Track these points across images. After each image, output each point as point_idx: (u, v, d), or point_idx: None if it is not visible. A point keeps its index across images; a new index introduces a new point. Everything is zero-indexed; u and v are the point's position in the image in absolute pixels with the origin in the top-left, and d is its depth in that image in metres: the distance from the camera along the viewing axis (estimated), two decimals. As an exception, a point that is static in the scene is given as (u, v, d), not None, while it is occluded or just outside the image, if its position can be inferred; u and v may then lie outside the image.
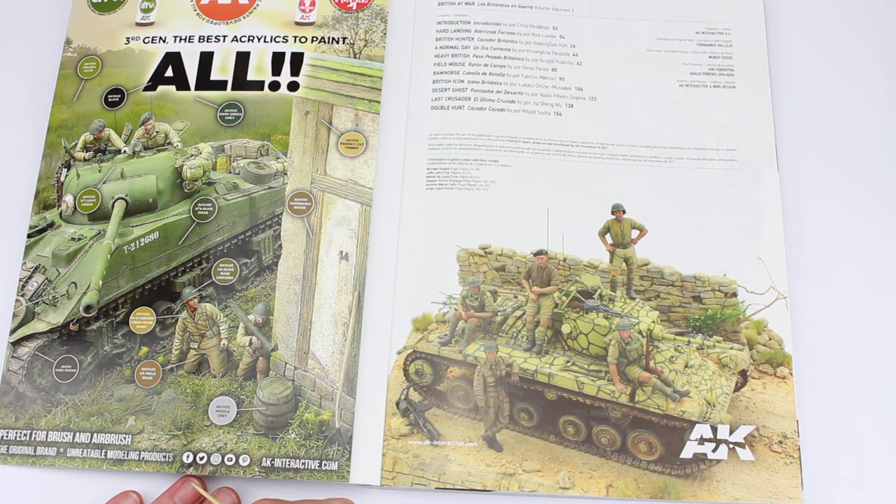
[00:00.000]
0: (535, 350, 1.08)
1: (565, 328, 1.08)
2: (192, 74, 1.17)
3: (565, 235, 1.08)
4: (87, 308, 1.06)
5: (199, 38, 1.19)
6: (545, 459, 1.00)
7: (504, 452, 1.00)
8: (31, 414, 1.02)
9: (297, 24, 1.19)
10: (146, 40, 1.20)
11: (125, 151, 1.18)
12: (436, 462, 0.99)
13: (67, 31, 1.21)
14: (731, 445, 0.98)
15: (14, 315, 1.06)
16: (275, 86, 1.16)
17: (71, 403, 1.02)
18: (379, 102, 1.12)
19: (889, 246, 1.09)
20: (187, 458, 0.98)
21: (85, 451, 1.00)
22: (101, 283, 1.08)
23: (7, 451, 1.00)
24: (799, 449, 0.98)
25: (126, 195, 1.17)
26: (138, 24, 1.21)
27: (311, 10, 1.20)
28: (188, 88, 1.17)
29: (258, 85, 1.16)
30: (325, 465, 0.97)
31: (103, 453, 0.99)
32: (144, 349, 1.05)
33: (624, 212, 1.09)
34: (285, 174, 1.13)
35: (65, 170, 1.16)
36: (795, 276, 1.07)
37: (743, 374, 1.05)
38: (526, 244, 1.08)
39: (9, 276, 1.10)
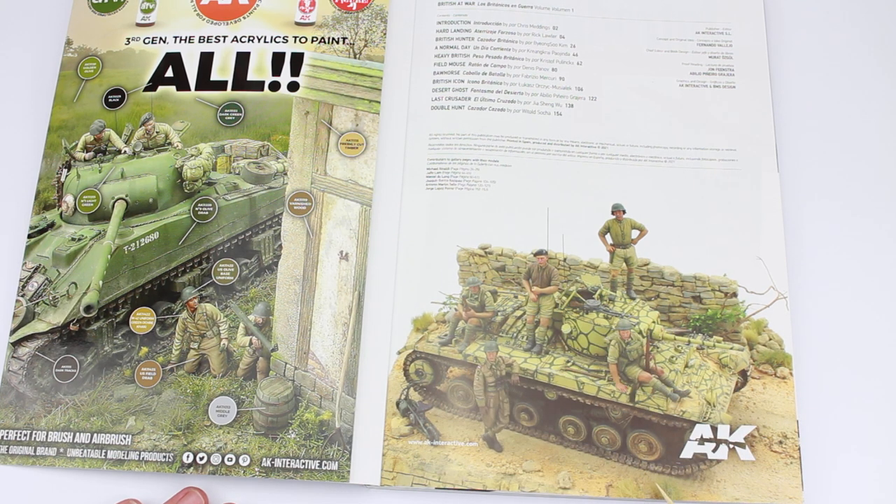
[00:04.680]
0: (535, 350, 1.08)
1: (565, 328, 1.08)
2: (192, 75, 1.17)
3: (565, 235, 1.08)
4: (88, 308, 1.06)
5: (200, 39, 1.19)
6: (545, 459, 1.00)
7: (504, 452, 1.00)
8: (31, 414, 1.02)
9: (297, 24, 1.19)
10: (146, 41, 1.20)
11: (125, 152, 1.19)
12: (436, 462, 0.99)
13: (68, 31, 1.22)
14: (731, 445, 0.98)
15: (14, 315, 1.07)
16: (275, 86, 1.16)
17: (71, 403, 1.02)
18: (379, 102, 1.12)
19: (889, 246, 1.09)
20: (187, 458, 0.98)
21: (85, 451, 1.00)
22: (101, 283, 1.08)
23: (7, 451, 1.00)
24: (799, 449, 0.98)
25: (126, 195, 1.17)
26: (139, 25, 1.21)
27: (311, 11, 1.20)
28: (188, 89, 1.17)
29: (258, 85, 1.16)
30: (326, 465, 0.97)
31: (103, 453, 0.99)
32: (144, 349, 1.05)
33: (624, 212, 1.09)
34: (285, 174, 1.13)
35: (65, 170, 1.16)
36: (795, 276, 1.07)
37: (743, 374, 1.05)
38: (526, 244, 1.08)
39: (9, 276, 1.10)
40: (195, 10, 1.21)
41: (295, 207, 1.10)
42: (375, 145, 1.11)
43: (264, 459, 0.98)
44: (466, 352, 1.07)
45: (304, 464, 0.98)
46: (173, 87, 1.18)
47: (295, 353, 1.05)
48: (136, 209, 1.18)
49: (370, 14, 1.19)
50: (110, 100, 1.18)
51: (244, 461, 0.98)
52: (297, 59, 1.17)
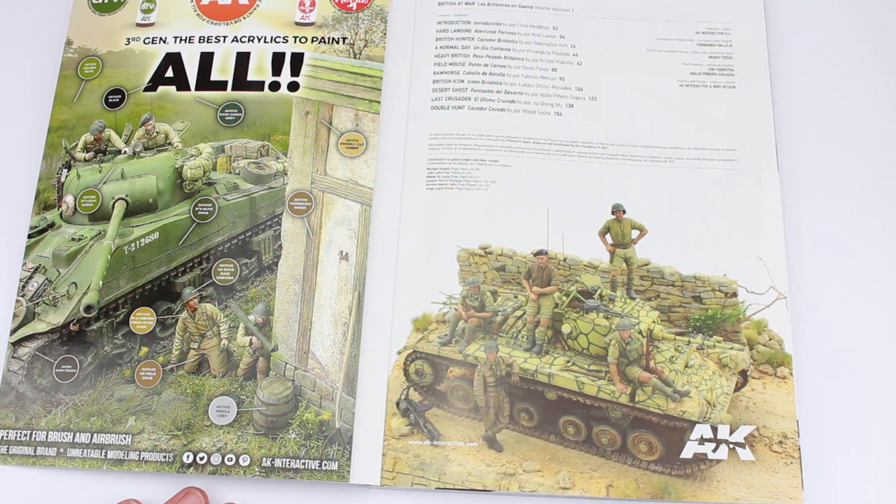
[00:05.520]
0: (535, 350, 1.08)
1: (565, 328, 1.08)
2: (192, 75, 1.18)
3: (565, 235, 1.08)
4: (88, 308, 1.06)
5: (200, 39, 1.19)
6: (545, 459, 1.00)
7: (504, 452, 1.00)
8: (32, 414, 1.02)
9: (297, 24, 1.20)
10: (146, 41, 1.20)
11: (125, 152, 1.19)
12: (436, 462, 0.99)
13: (68, 31, 1.22)
14: (731, 445, 0.98)
15: (14, 315, 1.07)
16: (275, 86, 1.16)
17: (71, 403, 1.02)
18: (379, 102, 1.12)
19: (889, 246, 1.09)
20: (187, 458, 0.98)
21: (85, 451, 1.00)
22: (101, 283, 1.08)
23: (7, 451, 1.00)
24: (799, 449, 0.98)
25: (126, 195, 1.17)
26: (139, 25, 1.21)
27: (311, 11, 1.20)
28: (188, 89, 1.17)
29: (258, 85, 1.16)
30: (326, 465, 0.97)
31: (103, 453, 0.99)
32: (144, 349, 1.05)
33: (624, 212, 1.09)
34: (285, 174, 1.13)
35: (65, 170, 1.16)
36: (795, 276, 1.07)
37: (743, 374, 1.05)
38: (526, 244, 1.08)
39: (9, 276, 1.10)
40: (195, 11, 1.21)
41: (295, 207, 1.10)
42: (375, 145, 1.11)
43: (264, 459, 0.98)
44: (466, 352, 1.07)
45: (304, 464, 0.98)
46: (173, 88, 1.18)
47: (295, 353, 1.05)
48: (136, 209, 1.18)
49: (370, 14, 1.19)
50: (110, 100, 1.18)
51: (244, 461, 0.98)
52: (297, 59, 1.17)
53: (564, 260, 1.10)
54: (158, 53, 1.19)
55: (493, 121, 1.13)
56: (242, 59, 1.18)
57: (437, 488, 0.98)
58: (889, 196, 1.11)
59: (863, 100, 1.16)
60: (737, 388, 1.05)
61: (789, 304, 1.04)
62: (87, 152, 1.17)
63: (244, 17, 1.20)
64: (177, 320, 1.07)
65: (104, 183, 1.17)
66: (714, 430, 0.98)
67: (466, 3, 1.20)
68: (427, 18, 1.19)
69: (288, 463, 0.98)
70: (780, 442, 0.99)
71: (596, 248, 1.09)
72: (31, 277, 1.09)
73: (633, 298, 1.11)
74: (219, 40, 1.19)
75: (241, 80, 1.17)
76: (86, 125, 1.17)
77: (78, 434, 1.00)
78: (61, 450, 1.00)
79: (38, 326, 1.06)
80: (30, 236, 1.11)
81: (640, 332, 1.04)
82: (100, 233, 1.13)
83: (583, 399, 1.03)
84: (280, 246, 1.10)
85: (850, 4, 1.22)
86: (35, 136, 1.17)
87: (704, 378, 1.03)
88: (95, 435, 1.00)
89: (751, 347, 1.05)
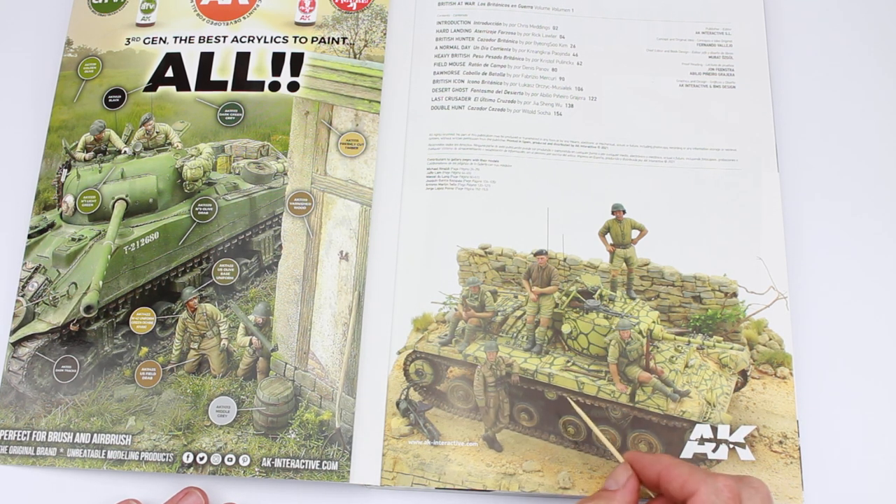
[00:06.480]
0: (535, 350, 1.08)
1: (565, 328, 1.08)
2: (192, 75, 1.18)
3: (565, 235, 1.08)
4: (88, 308, 1.06)
5: (200, 39, 1.19)
6: (545, 459, 1.00)
7: (504, 452, 1.00)
8: (31, 414, 1.02)
9: (297, 24, 1.20)
10: (146, 41, 1.20)
11: (125, 152, 1.19)
12: (436, 462, 0.99)
13: (68, 31, 1.22)
14: (731, 445, 0.98)
15: (14, 315, 1.07)
16: (275, 86, 1.16)
17: (71, 404, 1.02)
18: (379, 102, 1.12)
19: (889, 246, 1.09)
20: (187, 458, 0.98)
21: (85, 451, 1.00)
22: (101, 283, 1.08)
23: (7, 451, 1.00)
24: (799, 449, 0.98)
25: (126, 195, 1.17)
26: (139, 25, 1.21)
27: (311, 11, 1.20)
28: (188, 89, 1.17)
29: (258, 85, 1.16)
30: (326, 465, 0.97)
31: (103, 453, 0.99)
32: (144, 349, 1.05)
33: (624, 212, 1.09)
34: (285, 174, 1.13)
35: (65, 170, 1.16)
36: (795, 276, 1.07)
37: (743, 374, 1.05)
38: (526, 244, 1.08)
39: (9, 276, 1.10)
40: (195, 11, 1.21)
41: (295, 207, 1.10)
42: (375, 145, 1.11)
43: (264, 459, 0.98)
44: (466, 352, 1.07)
45: (304, 464, 0.98)
46: (173, 88, 1.18)
47: (295, 353, 1.05)
48: (136, 209, 1.18)
49: (370, 14, 1.19)
50: (110, 100, 1.18)
51: (244, 461, 0.98)
52: (297, 59, 1.17)
53: (564, 260, 1.10)
54: (158, 53, 1.19)
55: (493, 121, 1.13)
56: (242, 59, 1.18)
57: (437, 488, 0.98)
58: (889, 196, 1.11)
59: (863, 100, 1.16)
60: (737, 388, 1.05)
61: (789, 304, 1.04)
62: (87, 152, 1.17)
63: (244, 17, 1.20)
64: (177, 320, 1.07)
65: (104, 183, 1.17)
66: (714, 430, 0.98)
67: (466, 3, 1.20)
68: (427, 18, 1.19)
69: (288, 463, 0.98)
70: (780, 442, 0.99)
71: (596, 248, 1.09)
72: (31, 277, 1.09)
73: (633, 298, 1.11)
74: (219, 40, 1.19)
75: (241, 80, 1.17)
76: (86, 125, 1.17)
77: (78, 434, 1.00)
78: (61, 450, 1.00)
79: (38, 326, 1.06)
80: (30, 236, 1.11)
81: (640, 332, 1.04)
82: (100, 233, 1.13)
83: (583, 399, 1.03)
84: (280, 246, 1.10)
85: (850, 4, 1.22)
86: (35, 136, 1.17)
87: (704, 378, 1.03)
88: (95, 435, 1.00)
89: (751, 347, 1.05)
